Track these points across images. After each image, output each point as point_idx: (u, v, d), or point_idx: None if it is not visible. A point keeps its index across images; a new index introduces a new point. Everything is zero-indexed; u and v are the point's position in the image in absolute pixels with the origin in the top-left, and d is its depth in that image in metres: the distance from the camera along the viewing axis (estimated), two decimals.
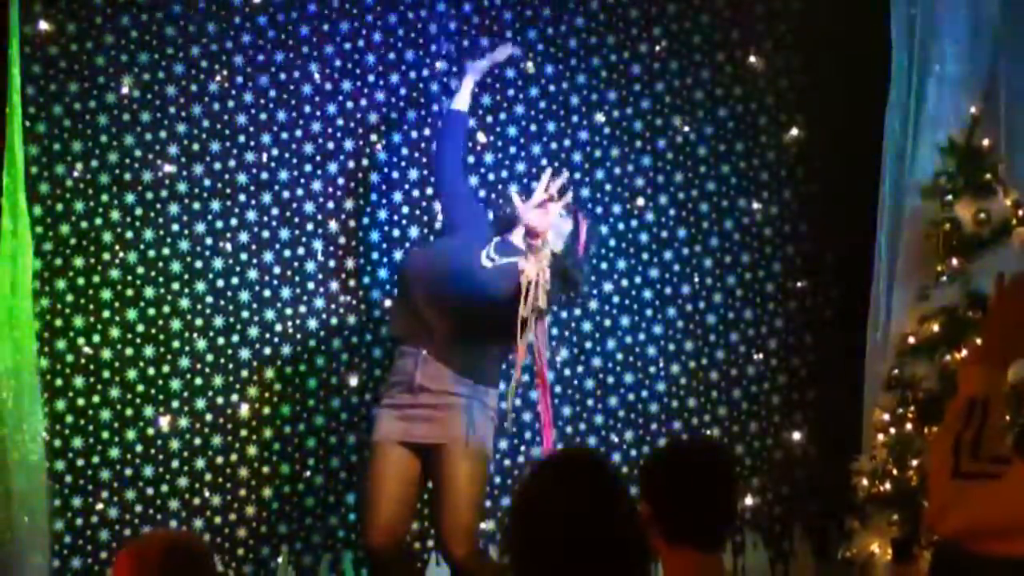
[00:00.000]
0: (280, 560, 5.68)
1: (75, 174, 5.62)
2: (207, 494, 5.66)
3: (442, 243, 5.27)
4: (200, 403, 5.66)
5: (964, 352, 5.12)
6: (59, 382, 5.56)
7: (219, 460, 5.67)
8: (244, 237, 5.72)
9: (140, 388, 5.62)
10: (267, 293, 5.72)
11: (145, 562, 2.98)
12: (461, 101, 5.35)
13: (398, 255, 5.77)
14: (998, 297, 2.55)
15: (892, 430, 5.25)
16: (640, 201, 6.03)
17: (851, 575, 5.32)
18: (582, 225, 5.02)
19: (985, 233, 5.21)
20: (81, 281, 5.60)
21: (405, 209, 5.83)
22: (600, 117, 6.02)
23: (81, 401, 5.57)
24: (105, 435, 5.58)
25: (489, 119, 5.90)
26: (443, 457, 4.90)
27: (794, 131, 6.16)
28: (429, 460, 4.96)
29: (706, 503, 3.13)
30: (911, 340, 5.31)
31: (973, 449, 2.43)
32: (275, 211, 5.74)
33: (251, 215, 5.73)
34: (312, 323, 5.74)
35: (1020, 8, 5.58)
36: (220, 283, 5.70)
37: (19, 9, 5.37)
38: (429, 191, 5.81)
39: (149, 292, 5.64)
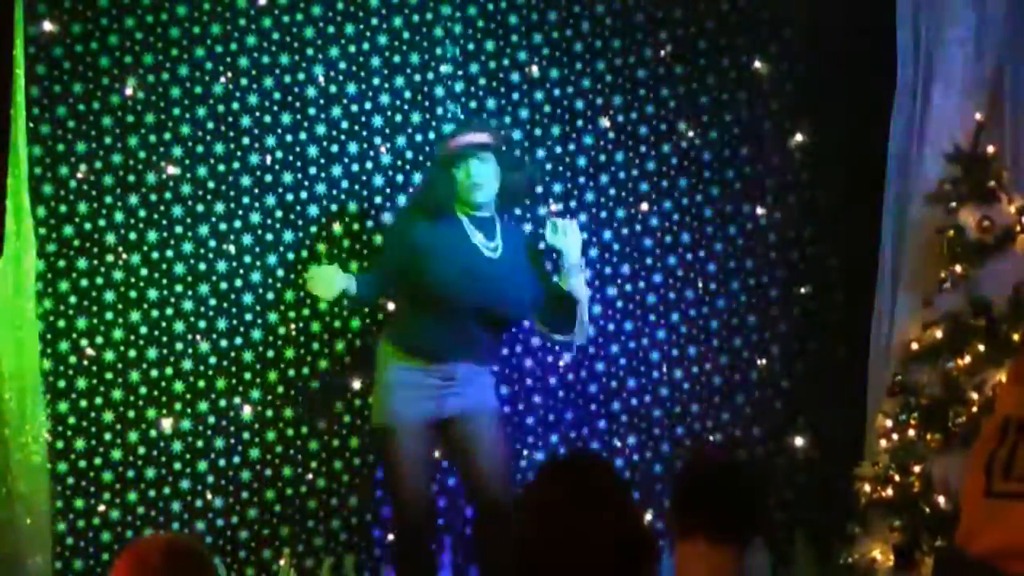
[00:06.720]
0: (282, 563, 5.68)
1: (79, 175, 5.59)
2: (209, 496, 5.65)
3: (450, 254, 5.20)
4: (203, 405, 5.65)
5: (967, 359, 5.12)
6: (62, 384, 5.54)
7: (221, 463, 5.66)
8: (248, 239, 5.71)
9: (143, 390, 5.60)
10: (271, 296, 5.71)
11: (145, 565, 2.97)
12: None
13: None
14: None
15: (895, 436, 5.26)
16: (644, 206, 6.03)
17: None
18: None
19: (989, 240, 5.21)
20: (84, 283, 5.58)
21: None
22: (605, 122, 6.01)
23: (84, 403, 5.56)
24: (108, 437, 5.57)
25: (493, 123, 5.89)
26: (476, 421, 5.17)
27: (799, 136, 6.16)
28: (454, 428, 5.18)
29: (721, 494, 3.17)
30: (914, 346, 5.31)
31: (1006, 469, 2.39)
32: (279, 214, 5.73)
33: (255, 218, 5.71)
34: (315, 326, 5.73)
35: None
36: (224, 285, 5.68)
37: (24, 10, 5.35)
38: None
39: (152, 294, 5.63)
